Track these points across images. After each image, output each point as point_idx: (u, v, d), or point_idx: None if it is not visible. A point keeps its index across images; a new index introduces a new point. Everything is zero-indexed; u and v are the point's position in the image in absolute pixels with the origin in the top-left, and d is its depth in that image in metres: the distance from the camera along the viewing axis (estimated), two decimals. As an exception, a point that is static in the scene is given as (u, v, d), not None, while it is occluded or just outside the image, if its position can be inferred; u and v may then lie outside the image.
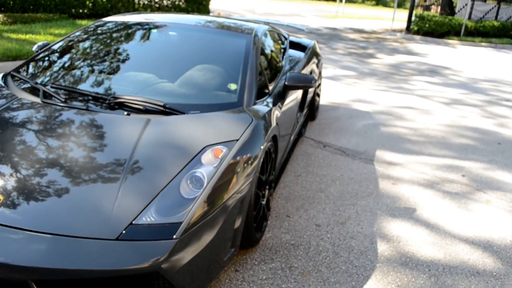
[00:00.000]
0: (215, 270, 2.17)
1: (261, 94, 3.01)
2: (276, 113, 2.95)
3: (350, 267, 2.56)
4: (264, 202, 2.71)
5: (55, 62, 3.14)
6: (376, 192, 3.54)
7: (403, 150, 4.53)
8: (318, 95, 5.49)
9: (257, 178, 2.44)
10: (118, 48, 3.25)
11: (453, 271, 2.60)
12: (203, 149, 2.21)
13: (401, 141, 4.81)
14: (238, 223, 2.24)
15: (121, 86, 2.84)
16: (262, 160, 2.48)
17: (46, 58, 3.19)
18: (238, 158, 2.24)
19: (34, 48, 3.53)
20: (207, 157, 2.19)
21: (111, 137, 2.31)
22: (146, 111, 2.50)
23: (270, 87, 3.26)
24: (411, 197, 3.51)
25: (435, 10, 19.30)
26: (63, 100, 2.56)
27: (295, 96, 3.77)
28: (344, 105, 6.07)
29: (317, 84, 5.18)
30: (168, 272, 1.85)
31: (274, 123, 2.77)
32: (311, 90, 4.69)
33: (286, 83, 3.17)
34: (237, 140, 2.30)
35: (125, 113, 2.46)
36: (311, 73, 4.64)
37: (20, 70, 3.05)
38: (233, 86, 2.84)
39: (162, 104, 2.51)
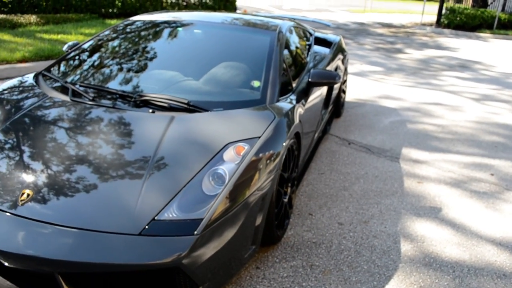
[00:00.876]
0: (236, 266, 2.20)
1: (284, 90, 3.02)
2: (299, 110, 2.95)
3: (372, 267, 2.54)
4: (286, 200, 2.72)
5: (84, 61, 3.23)
6: (400, 190, 3.49)
7: (430, 148, 4.44)
8: (344, 92, 5.44)
9: (279, 176, 2.45)
10: (145, 47, 3.32)
11: (478, 273, 2.55)
12: (225, 146, 2.24)
13: (428, 139, 4.71)
14: (259, 220, 2.26)
15: (147, 84, 2.90)
16: (284, 157, 2.49)
17: (76, 58, 3.29)
18: (260, 155, 2.26)
19: (65, 48, 3.65)
20: (229, 154, 2.22)
21: (136, 134, 2.37)
22: (170, 108, 2.55)
23: (294, 84, 3.26)
24: (437, 196, 3.45)
25: (466, 3, 18.71)
26: (91, 98, 2.64)
27: (319, 93, 3.75)
28: (370, 102, 5.99)
29: (342, 80, 5.14)
30: (189, 268, 1.89)
31: (297, 120, 2.77)
32: (336, 86, 4.65)
33: (309, 79, 3.16)
34: (259, 137, 2.31)
35: (150, 110, 2.52)
36: (336, 69, 4.60)
37: (51, 69, 3.15)
38: (256, 83, 2.85)
39: (186, 101, 2.56)
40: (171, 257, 1.86)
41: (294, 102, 2.95)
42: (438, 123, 5.28)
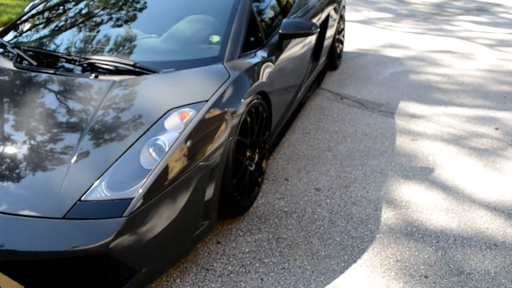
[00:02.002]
0: (182, 247, 1.98)
1: (252, 45, 2.68)
2: (268, 66, 2.61)
3: (345, 238, 2.29)
4: (252, 167, 2.46)
5: (37, 23, 2.93)
6: (391, 149, 3.18)
7: (430, 101, 4.06)
8: (341, 42, 5.01)
9: (236, 142, 2.17)
10: (104, 3, 2.98)
11: (465, 243, 2.27)
12: (167, 113, 1.96)
13: (430, 90, 4.31)
14: (210, 193, 2.01)
15: (101, 44, 2.60)
16: (242, 121, 2.20)
17: (31, 19, 2.99)
18: (207, 121, 1.98)
19: (27, 8, 3.35)
20: (171, 121, 1.94)
21: (72, 105, 2.11)
22: (117, 71, 2.27)
23: (268, 37, 2.91)
24: (431, 154, 3.13)
25: None
26: (35, 64, 2.38)
27: (302, 44, 3.38)
28: (372, 52, 5.54)
29: (338, 30, 4.70)
30: (120, 253, 1.68)
31: (263, 78, 2.46)
32: (328, 36, 4.24)
33: (280, 31, 2.79)
34: (207, 100, 2.02)
35: (93, 75, 2.24)
36: (327, 18, 4.17)
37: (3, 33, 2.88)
38: (215, 38, 2.52)
39: (132, 63, 2.27)
40: (96, 243, 1.64)
41: (261, 57, 2.61)
42: (444, 72, 4.83)
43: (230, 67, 2.29)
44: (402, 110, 3.84)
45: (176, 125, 1.92)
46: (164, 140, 1.87)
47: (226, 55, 2.40)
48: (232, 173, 2.17)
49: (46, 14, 2.99)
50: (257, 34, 2.80)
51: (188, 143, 1.88)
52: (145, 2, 3.01)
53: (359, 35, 6.28)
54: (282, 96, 3.00)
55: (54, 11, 3.00)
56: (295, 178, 2.82)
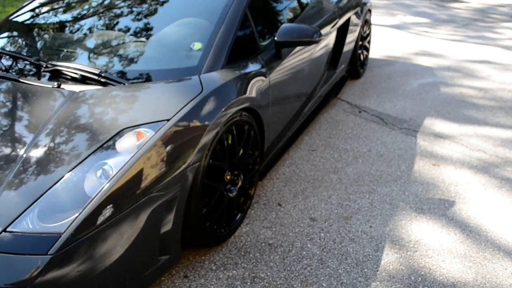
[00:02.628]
0: (134, 285, 1.69)
1: (244, 54, 2.36)
2: (259, 77, 2.28)
3: (333, 285, 1.93)
4: (233, 194, 2.14)
5: (10, 26, 2.72)
6: (407, 175, 2.77)
7: (461, 118, 3.59)
8: (367, 49, 4.60)
9: (206, 167, 1.85)
10: (87, 6, 2.74)
11: (482, 303, 1.86)
12: (120, 133, 1.68)
13: (462, 106, 3.83)
14: (168, 226, 1.71)
15: (75, 49, 2.35)
16: (215, 142, 1.88)
17: (14, 18, 2.80)
18: (166, 144, 1.67)
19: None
20: (125, 142, 1.65)
21: (22, 115, 1.87)
22: (84, 80, 2.02)
23: (264, 44, 2.57)
24: (453, 184, 2.69)
25: None
26: (3, 69, 2.17)
27: (311, 51, 3.03)
28: (403, 60, 5.08)
29: (362, 35, 4.30)
30: (46, 294, 1.41)
31: (251, 92, 2.13)
32: (349, 41, 3.85)
33: (276, 38, 2.44)
34: (168, 119, 1.72)
35: (56, 84, 2.00)
36: (347, 23, 3.78)
37: None
38: (197, 46, 2.21)
39: (97, 72, 2.01)
40: (18, 279, 1.39)
41: (253, 67, 2.28)
42: (480, 86, 4.32)
43: (206, 80, 1.97)
44: (426, 128, 3.40)
45: (129, 148, 1.63)
46: (112, 164, 1.58)
47: (206, 66, 2.09)
48: (200, 202, 1.87)
49: (23, 17, 2.78)
50: (252, 42, 2.47)
51: (140, 169, 1.59)
52: (133, 4, 2.74)
53: (391, 41, 5.81)
54: (282, 110, 2.66)
55: (31, 14, 2.78)
56: (290, 204, 2.47)
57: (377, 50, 5.39)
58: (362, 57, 4.45)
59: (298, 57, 2.80)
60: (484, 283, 1.94)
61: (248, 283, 1.93)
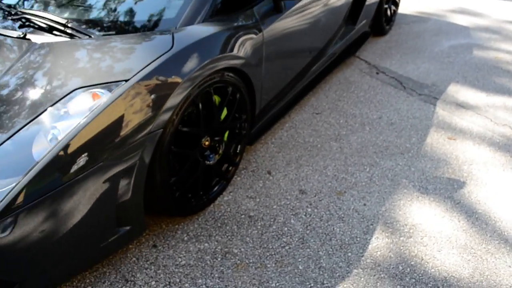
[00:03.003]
0: (85, 258, 1.56)
1: (237, 5, 2.07)
2: (249, 33, 2.00)
3: (310, 268, 1.76)
4: (211, 161, 1.95)
5: None
6: (416, 148, 2.50)
7: (491, 87, 3.21)
8: (395, 3, 4.15)
9: (174, 133, 1.66)
10: None
11: (475, 304, 1.65)
12: (72, 93, 1.49)
13: (495, 73, 3.43)
14: (125, 196, 1.55)
15: None
16: (185, 106, 1.67)
17: None
18: (122, 107, 1.47)
19: None
20: (77, 104, 1.47)
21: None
22: (51, 30, 1.83)
23: None
24: (468, 162, 2.41)
25: None
26: None
27: (322, 4, 2.69)
28: (436, 17, 4.60)
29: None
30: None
31: (237, 50, 1.88)
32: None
33: None
34: (127, 80, 1.51)
35: (21, 33, 1.81)
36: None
37: None
38: (179, -5, 1.95)
39: (64, 22, 1.81)
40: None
41: (243, 21, 2.01)
42: (521, 50, 3.86)
43: (180, 35, 1.72)
44: (449, 96, 3.06)
45: (81, 110, 1.45)
46: (61, 128, 1.41)
47: (184, 18, 1.83)
48: (166, 171, 1.69)
49: None
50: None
51: (90, 135, 1.41)
52: None
53: (427, -6, 5.27)
54: (280, 69, 2.39)
55: None
56: (280, 173, 2.27)
57: (409, 4, 4.90)
58: (389, 12, 4.03)
59: (305, 9, 2.48)
60: (481, 280, 1.72)
61: (219, 259, 1.79)
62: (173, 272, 1.73)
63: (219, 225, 1.95)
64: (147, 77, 1.52)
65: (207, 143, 1.90)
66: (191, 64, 1.64)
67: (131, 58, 1.59)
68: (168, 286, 1.68)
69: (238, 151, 2.14)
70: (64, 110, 1.44)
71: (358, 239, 1.90)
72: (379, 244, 1.87)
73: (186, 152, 1.80)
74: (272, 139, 2.55)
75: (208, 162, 1.93)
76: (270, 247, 1.85)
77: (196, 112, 1.77)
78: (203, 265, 1.76)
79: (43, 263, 1.44)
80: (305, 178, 2.24)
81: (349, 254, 1.82)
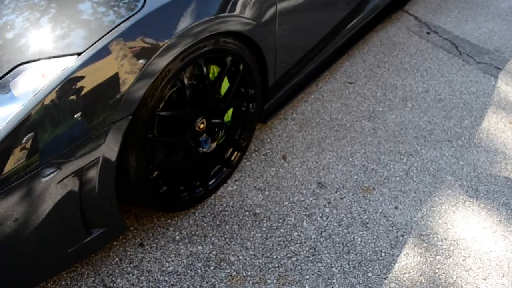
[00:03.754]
0: (51, 264, 1.31)
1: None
2: None
3: (321, 290, 1.45)
4: (206, 148, 1.61)
5: None
6: (469, 135, 2.05)
7: None
8: None
9: (147, 119, 1.32)
10: None
11: None
12: (15, 69, 1.16)
13: None
14: (91, 196, 1.26)
15: None
16: (162, 85, 1.32)
17: None
18: (73, 89, 1.13)
19: None
20: (22, 84, 1.14)
21: None
22: None
23: None
24: (532, 158, 1.95)
25: None
26: None
27: None
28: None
29: None
30: None
31: (240, 9, 1.46)
32: None
33: None
34: (79, 54, 1.16)
35: None
36: None
37: None
38: None
39: None
40: None
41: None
42: None
43: None
44: (515, 66, 2.52)
45: (25, 92, 1.13)
46: (1, 114, 1.10)
47: None
48: (141, 166, 1.37)
49: None
50: None
51: (31, 126, 1.09)
52: None
53: None
54: (302, 29, 1.95)
55: None
56: (298, 159, 1.92)
57: None
58: (451, -45, 3.36)
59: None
60: (538, 327, 1.36)
61: (212, 267, 1.51)
62: (157, 280, 1.47)
63: (217, 223, 1.66)
64: (105, 50, 1.16)
65: (202, 126, 1.56)
66: (167, 30, 1.26)
67: (89, 25, 1.23)
68: (149, 298, 1.43)
69: (245, 133, 1.78)
70: (7, 91, 1.13)
71: (383, 254, 1.55)
72: (408, 263, 1.52)
73: (171, 140, 1.47)
74: (293, 113, 2.17)
75: (203, 149, 1.59)
76: (274, 256, 1.54)
77: (182, 90, 1.42)
78: (192, 274, 1.49)
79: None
80: (327, 167, 1.88)
81: (369, 274, 1.49)
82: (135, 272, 1.50)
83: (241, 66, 1.58)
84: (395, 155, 1.94)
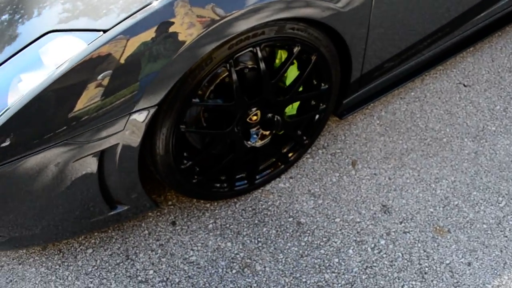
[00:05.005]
0: (72, 228, 1.30)
1: None
2: None
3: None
4: (254, 143, 1.41)
5: None
6: None
7: None
8: None
9: (181, 110, 1.17)
10: None
11: None
12: (44, 36, 1.08)
13: None
14: (111, 178, 1.18)
15: None
16: (204, 73, 1.14)
17: None
18: (90, 68, 1.01)
19: None
20: (52, 52, 1.05)
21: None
22: None
23: None
24: None
25: None
26: None
27: None
28: None
29: None
30: None
31: None
32: None
33: None
34: (105, 31, 1.01)
35: None
36: None
37: None
38: None
39: None
40: None
41: None
42: None
43: None
44: None
45: (53, 61, 1.03)
46: (24, 82, 1.03)
47: None
48: (171, 156, 1.24)
49: None
50: None
51: (51, 100, 1.01)
52: None
53: None
54: (413, 16, 1.57)
55: None
56: (369, 169, 1.64)
57: None
58: None
59: None
60: None
61: (233, 271, 1.39)
62: (176, 267, 1.40)
63: (256, 221, 1.51)
64: (135, 28, 0.99)
65: (255, 118, 1.36)
66: (214, 11, 1.04)
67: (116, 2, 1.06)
68: (163, 283, 1.38)
69: (310, 130, 1.55)
70: (36, 57, 1.05)
71: (432, 318, 1.29)
72: None
73: (210, 134, 1.31)
74: (382, 111, 1.85)
75: (251, 144, 1.41)
76: (304, 280, 1.37)
77: (228, 81, 1.22)
78: (212, 271, 1.39)
79: (26, 222, 1.22)
80: (400, 189, 1.58)
81: (407, 339, 1.25)
82: (159, 251, 1.45)
83: (314, 57, 1.32)
84: (492, 195, 1.56)
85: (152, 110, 1.09)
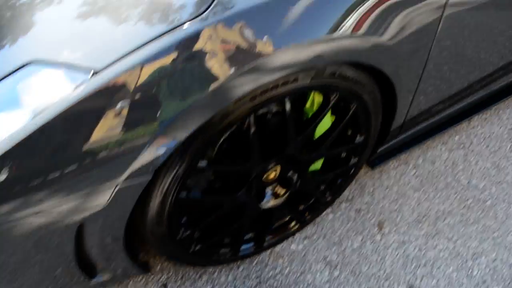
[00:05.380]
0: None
1: None
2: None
3: None
4: (268, 201, 1.18)
5: None
6: None
7: None
8: None
9: (184, 175, 0.92)
10: None
11: None
12: (24, 68, 0.83)
13: None
14: (91, 244, 0.97)
15: None
16: (217, 131, 0.89)
17: None
18: (78, 114, 0.77)
19: None
20: (30, 89, 0.81)
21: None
22: None
23: None
24: None
25: None
26: None
27: None
28: None
29: None
30: None
31: (362, 28, 0.90)
32: None
33: None
34: (96, 72, 0.77)
35: None
36: None
37: None
38: None
39: None
40: None
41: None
42: None
43: None
44: None
45: (30, 103, 0.80)
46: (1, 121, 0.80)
47: None
48: (165, 228, 1.01)
49: None
50: None
51: (23, 158, 0.78)
52: None
53: None
54: (475, 55, 1.28)
55: None
56: (396, 235, 1.41)
57: None
58: None
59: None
60: None
61: None
62: None
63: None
64: (132, 69, 0.75)
65: (273, 175, 1.12)
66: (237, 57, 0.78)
67: (124, 32, 0.79)
68: None
69: (334, 187, 1.30)
70: (13, 93, 0.81)
71: None
72: None
73: (215, 199, 1.08)
74: (419, 158, 1.58)
75: (264, 205, 1.17)
76: None
77: (245, 136, 0.97)
78: None
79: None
80: (430, 265, 1.36)
81: None
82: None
83: (353, 106, 1.05)
84: (539, 284, 1.33)
85: (145, 181, 0.86)
